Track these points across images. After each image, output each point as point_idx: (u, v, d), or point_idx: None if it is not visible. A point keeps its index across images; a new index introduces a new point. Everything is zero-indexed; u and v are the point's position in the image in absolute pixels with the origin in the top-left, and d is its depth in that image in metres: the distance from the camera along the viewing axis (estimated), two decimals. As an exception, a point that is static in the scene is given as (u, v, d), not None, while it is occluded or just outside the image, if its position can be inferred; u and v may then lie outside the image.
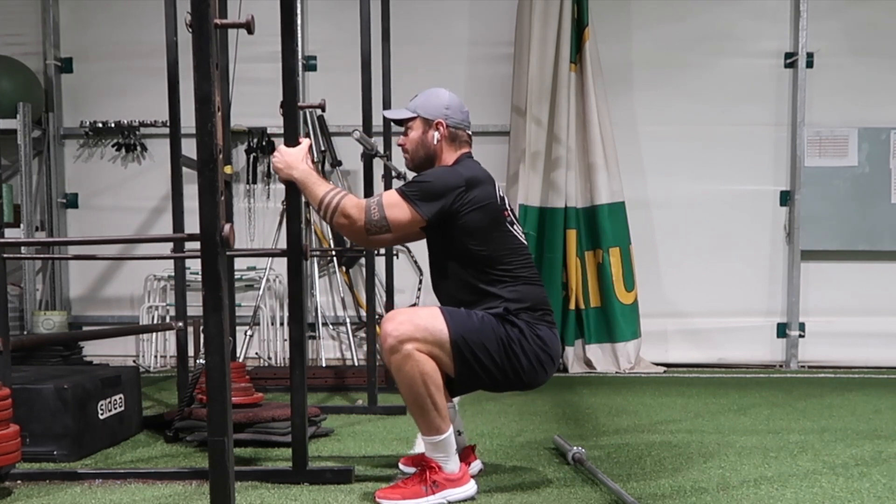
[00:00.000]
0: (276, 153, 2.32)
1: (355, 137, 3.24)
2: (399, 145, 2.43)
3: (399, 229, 2.24)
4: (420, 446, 2.33)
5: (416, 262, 5.18)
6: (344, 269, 5.42)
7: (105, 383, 2.92)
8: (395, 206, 2.20)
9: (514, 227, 2.33)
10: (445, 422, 2.19)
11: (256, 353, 5.34)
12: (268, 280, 5.30)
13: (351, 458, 2.75)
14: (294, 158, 2.28)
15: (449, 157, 2.35)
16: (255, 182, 5.40)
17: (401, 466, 2.56)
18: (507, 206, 2.34)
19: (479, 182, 2.25)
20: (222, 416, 1.55)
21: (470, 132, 2.42)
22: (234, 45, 3.25)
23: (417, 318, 2.16)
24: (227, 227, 1.54)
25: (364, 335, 5.13)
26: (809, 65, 5.33)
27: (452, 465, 2.21)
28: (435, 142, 2.34)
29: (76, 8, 5.50)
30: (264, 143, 5.32)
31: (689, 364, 5.39)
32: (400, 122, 2.42)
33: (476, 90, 5.43)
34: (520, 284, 2.26)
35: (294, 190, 2.42)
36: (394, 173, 3.97)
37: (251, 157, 5.35)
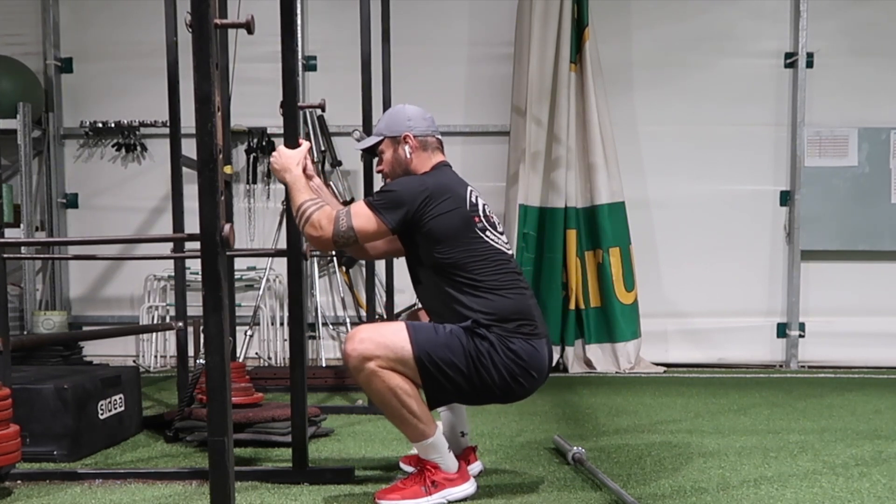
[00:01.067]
0: (274, 153, 2.32)
1: (355, 137, 3.23)
2: (378, 171, 2.45)
3: (366, 238, 2.23)
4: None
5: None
6: (344, 269, 5.42)
7: (105, 383, 2.92)
8: (361, 215, 2.20)
9: (487, 233, 2.26)
10: (429, 425, 2.17)
11: (256, 353, 5.34)
12: (268, 280, 5.30)
13: (351, 458, 2.75)
14: (289, 161, 2.28)
15: (423, 166, 2.36)
16: (255, 182, 5.40)
17: (401, 465, 2.56)
18: (482, 212, 2.27)
19: (445, 189, 2.23)
20: (222, 416, 1.55)
21: (439, 136, 2.42)
22: (234, 45, 3.25)
23: (379, 335, 2.14)
24: (227, 227, 1.54)
25: (364, 335, 5.12)
26: (809, 65, 5.33)
27: (449, 463, 2.21)
28: (407, 155, 2.35)
29: (76, 8, 5.50)
30: (264, 143, 5.32)
31: (689, 364, 5.39)
32: (372, 151, 2.43)
33: (476, 90, 5.43)
34: (491, 294, 2.19)
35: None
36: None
37: (251, 157, 5.35)
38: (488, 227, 2.27)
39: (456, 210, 2.22)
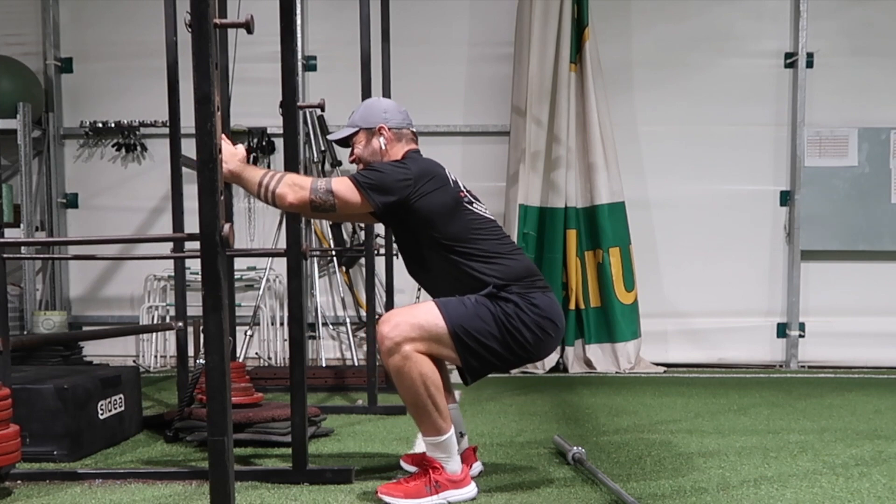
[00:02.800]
0: None
1: (350, 161, 3.23)
2: (351, 161, 2.46)
3: (345, 209, 2.24)
4: (421, 445, 2.33)
5: (416, 262, 5.17)
6: (344, 269, 5.43)
7: (105, 383, 2.92)
8: (346, 189, 2.21)
9: (475, 205, 2.33)
10: (447, 422, 2.19)
11: (256, 353, 5.34)
12: (268, 280, 5.30)
13: (351, 458, 2.75)
14: (228, 154, 2.27)
15: (396, 156, 2.38)
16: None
17: (402, 464, 2.56)
18: (463, 187, 2.35)
19: (427, 172, 2.27)
20: (222, 416, 1.55)
21: (413, 129, 2.45)
22: (234, 45, 3.26)
23: (412, 316, 2.17)
24: (226, 226, 1.54)
25: (364, 335, 5.13)
26: (809, 65, 5.33)
27: (454, 465, 2.21)
28: (382, 147, 2.38)
29: (76, 8, 5.50)
30: (264, 143, 5.32)
31: (689, 364, 5.39)
32: (345, 142, 2.45)
33: (476, 90, 5.43)
34: (500, 259, 2.26)
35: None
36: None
37: (251, 157, 5.34)
38: (474, 200, 2.35)
39: (442, 188, 2.27)
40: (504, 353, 2.21)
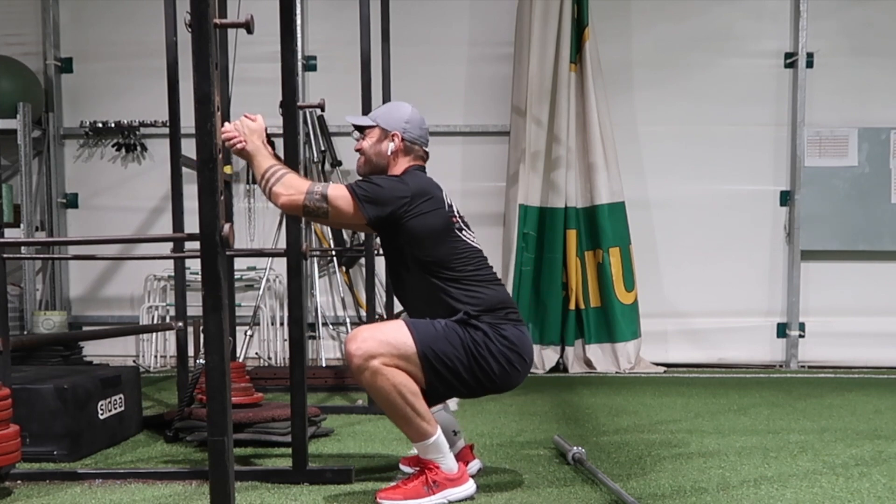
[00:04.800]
0: (234, 122, 2.27)
1: (355, 138, 3.23)
2: (356, 150, 2.45)
3: (337, 218, 2.24)
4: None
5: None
6: (344, 269, 5.43)
7: (105, 383, 2.92)
8: (341, 197, 2.20)
9: (464, 232, 2.32)
10: (431, 424, 2.18)
11: (256, 353, 5.34)
12: (268, 280, 5.30)
13: (351, 458, 2.75)
14: (252, 133, 2.24)
15: (398, 168, 2.37)
16: (255, 182, 5.38)
17: (401, 466, 2.56)
18: (456, 213, 2.34)
19: (425, 193, 2.26)
20: (222, 416, 1.54)
21: (427, 150, 2.44)
22: (234, 45, 3.26)
23: (380, 333, 2.16)
24: (226, 226, 1.54)
25: (364, 335, 5.12)
26: (809, 65, 5.33)
27: (450, 463, 2.21)
28: (389, 152, 2.37)
29: (76, 8, 5.50)
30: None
31: (689, 364, 5.39)
32: (360, 129, 2.45)
33: (476, 90, 5.43)
34: (476, 287, 2.25)
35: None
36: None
37: (251, 157, 5.33)
38: (464, 227, 2.34)
39: (436, 211, 2.26)
40: (469, 380, 2.20)
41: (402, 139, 2.37)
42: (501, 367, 2.20)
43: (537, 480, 2.43)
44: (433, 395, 2.23)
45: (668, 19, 5.39)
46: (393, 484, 2.25)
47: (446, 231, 2.27)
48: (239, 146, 2.23)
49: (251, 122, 2.26)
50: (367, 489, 2.33)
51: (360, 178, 2.37)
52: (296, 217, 2.39)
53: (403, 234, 2.24)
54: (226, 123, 2.23)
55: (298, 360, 2.44)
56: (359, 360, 2.11)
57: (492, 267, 2.37)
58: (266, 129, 2.31)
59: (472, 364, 2.17)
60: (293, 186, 2.19)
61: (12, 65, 5.15)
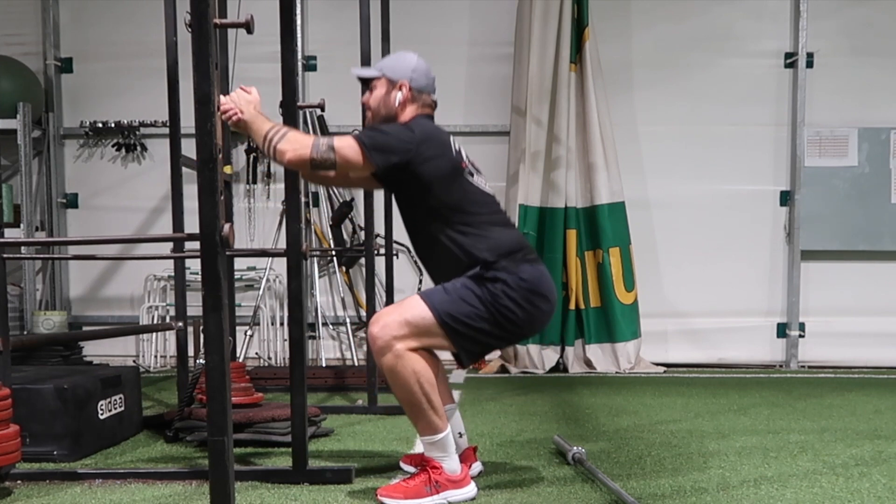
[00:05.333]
0: (229, 95, 2.23)
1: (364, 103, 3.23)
2: (363, 103, 2.42)
3: (345, 168, 2.21)
4: (421, 446, 2.33)
5: (416, 262, 5.18)
6: (344, 269, 5.43)
7: (105, 383, 2.92)
8: (348, 147, 2.17)
9: (475, 178, 2.32)
10: (443, 420, 2.19)
11: (256, 353, 5.34)
12: (268, 280, 5.30)
13: (351, 458, 2.75)
14: (247, 104, 2.20)
15: (407, 117, 2.34)
16: (255, 182, 5.40)
17: (402, 465, 2.56)
18: (466, 158, 2.32)
19: (431, 138, 2.24)
20: (222, 416, 1.55)
21: (434, 98, 2.41)
22: (234, 45, 3.26)
23: (399, 314, 2.16)
24: (226, 226, 1.54)
25: (364, 335, 5.13)
26: (809, 65, 5.33)
27: (453, 464, 2.21)
28: (397, 103, 2.34)
29: (76, 8, 5.50)
30: (264, 143, 5.31)
31: (689, 364, 5.39)
32: (366, 82, 2.41)
33: (476, 90, 5.43)
34: (491, 231, 2.24)
35: (294, 190, 2.43)
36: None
37: (251, 157, 5.35)
38: (474, 172, 2.33)
39: (444, 156, 2.25)
40: (496, 332, 2.21)
41: (410, 88, 2.33)
42: (525, 311, 2.20)
43: (537, 480, 2.43)
44: (467, 355, 2.25)
45: (668, 19, 5.39)
46: (394, 482, 2.25)
47: (455, 175, 2.25)
48: (235, 118, 2.19)
49: (246, 93, 2.22)
50: (367, 489, 2.32)
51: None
52: (299, 213, 2.38)
53: (413, 183, 2.23)
54: (220, 97, 2.18)
55: (298, 360, 2.44)
56: (381, 343, 2.13)
57: (505, 212, 2.37)
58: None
59: (495, 317, 2.18)
60: (298, 141, 2.16)
61: (12, 65, 5.15)
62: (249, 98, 2.22)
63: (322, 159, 2.16)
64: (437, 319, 2.15)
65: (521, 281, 2.20)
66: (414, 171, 2.21)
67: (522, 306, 2.20)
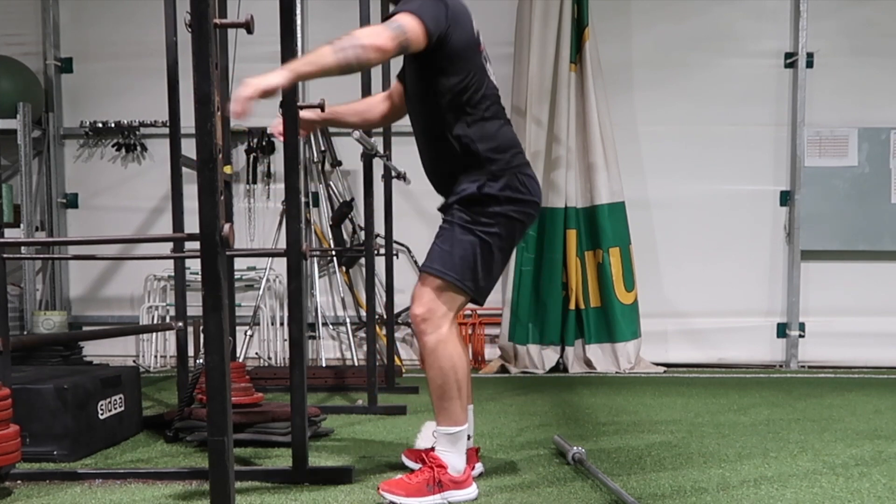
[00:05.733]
0: (242, 88, 1.88)
1: (355, 137, 3.24)
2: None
3: (412, 47, 2.13)
4: (423, 441, 2.34)
5: (416, 261, 5.18)
6: (344, 269, 5.42)
7: (105, 383, 2.92)
8: (412, 24, 2.10)
9: (488, 65, 2.33)
10: (464, 415, 2.23)
11: (256, 353, 5.34)
12: (268, 280, 5.30)
13: (351, 458, 2.75)
14: (257, 81, 1.90)
15: None
16: (255, 182, 5.40)
17: (403, 459, 2.54)
18: (483, 44, 2.33)
19: (460, 11, 2.23)
20: (222, 416, 1.55)
21: None
22: (234, 45, 3.26)
23: (427, 291, 2.23)
24: (226, 226, 1.54)
25: (364, 335, 5.13)
26: (809, 65, 5.33)
27: (459, 463, 2.22)
28: None
29: (76, 8, 5.50)
30: (264, 143, 5.32)
31: (689, 364, 5.39)
32: None
33: (476, 90, 5.42)
34: (493, 123, 2.29)
35: (294, 190, 2.43)
36: (393, 173, 3.97)
37: (251, 157, 5.35)
38: (488, 61, 2.36)
39: (469, 32, 2.26)
40: (501, 257, 2.29)
41: None
42: (520, 220, 2.28)
43: (537, 480, 2.43)
44: (485, 290, 2.31)
45: (668, 19, 5.39)
46: (397, 477, 2.25)
47: (474, 56, 2.26)
48: (267, 85, 1.89)
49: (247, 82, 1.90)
50: (367, 489, 2.33)
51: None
52: (299, 214, 2.36)
53: (441, 56, 2.19)
54: (229, 105, 1.97)
55: (298, 360, 2.44)
56: (422, 324, 2.21)
57: (503, 106, 2.40)
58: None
59: (499, 244, 2.25)
60: (368, 38, 2.03)
61: (12, 65, 5.15)
62: (255, 79, 1.90)
63: (401, 44, 2.09)
64: (452, 284, 2.21)
65: (510, 192, 2.26)
66: (446, 40, 2.18)
67: (517, 218, 2.27)
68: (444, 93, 2.25)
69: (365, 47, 2.02)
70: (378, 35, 2.06)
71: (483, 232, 2.25)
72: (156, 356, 5.37)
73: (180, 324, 3.29)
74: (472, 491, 2.23)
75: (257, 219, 5.45)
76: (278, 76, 1.94)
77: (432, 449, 2.28)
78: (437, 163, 2.37)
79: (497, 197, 2.25)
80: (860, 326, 5.33)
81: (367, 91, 3.69)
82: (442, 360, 2.19)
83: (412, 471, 2.29)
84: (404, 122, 2.59)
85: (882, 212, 5.30)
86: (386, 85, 4.00)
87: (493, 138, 2.27)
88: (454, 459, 2.21)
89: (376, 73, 3.85)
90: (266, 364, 5.28)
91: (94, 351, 5.31)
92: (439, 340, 2.19)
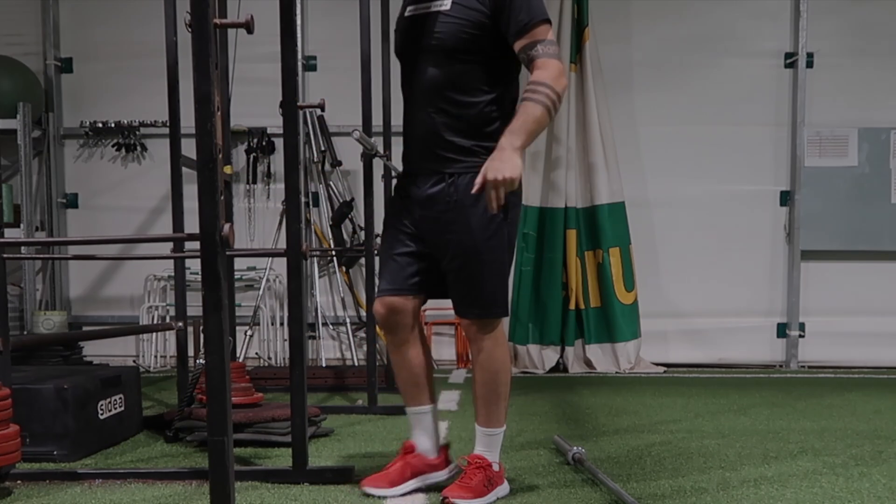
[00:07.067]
0: (493, 189, 2.01)
1: (355, 137, 3.24)
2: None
3: None
4: (421, 441, 2.34)
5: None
6: (344, 269, 5.42)
7: (105, 383, 2.92)
8: (551, 32, 2.12)
9: None
10: (505, 417, 2.26)
11: (256, 353, 5.34)
12: (268, 280, 5.30)
13: (351, 458, 2.75)
14: (504, 168, 2.00)
15: None
16: (255, 182, 5.40)
17: (459, 462, 2.40)
18: None
19: None
20: (222, 416, 1.55)
21: None
22: (234, 45, 3.26)
23: (482, 291, 2.19)
24: (226, 226, 1.54)
25: (364, 335, 5.13)
26: (809, 65, 5.33)
27: (497, 462, 2.26)
28: None
29: (76, 8, 5.50)
30: (264, 143, 5.32)
31: (689, 364, 5.39)
32: None
33: (476, 90, 5.42)
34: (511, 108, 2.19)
35: (294, 190, 2.43)
36: (393, 173, 3.96)
37: (251, 157, 5.35)
38: None
39: None
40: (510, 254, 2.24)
41: None
42: (516, 207, 2.22)
43: (537, 480, 2.43)
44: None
45: (668, 19, 5.39)
46: (455, 482, 2.22)
47: None
48: (514, 170, 1.99)
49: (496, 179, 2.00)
50: (366, 489, 2.32)
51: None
52: (299, 214, 2.34)
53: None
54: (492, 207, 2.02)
55: (298, 360, 2.44)
56: (480, 332, 2.19)
57: None
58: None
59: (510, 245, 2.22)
60: (556, 79, 2.05)
61: (12, 65, 5.15)
62: (502, 174, 1.98)
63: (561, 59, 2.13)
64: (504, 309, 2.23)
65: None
66: None
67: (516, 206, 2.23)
68: (488, 67, 2.14)
69: (558, 93, 2.07)
70: (559, 74, 2.07)
71: (509, 225, 2.19)
72: (156, 356, 5.38)
73: (180, 324, 3.29)
74: (506, 486, 2.29)
75: (257, 219, 5.45)
76: (518, 159, 2.01)
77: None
78: (440, 130, 2.17)
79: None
80: (860, 326, 5.33)
81: (367, 91, 3.69)
82: (498, 365, 2.19)
83: (460, 474, 2.24)
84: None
85: (882, 212, 5.30)
86: (386, 85, 4.00)
87: (505, 121, 2.13)
88: (495, 457, 2.26)
89: (376, 73, 3.85)
90: (266, 364, 5.28)
91: (94, 351, 5.31)
92: (495, 342, 2.19)
